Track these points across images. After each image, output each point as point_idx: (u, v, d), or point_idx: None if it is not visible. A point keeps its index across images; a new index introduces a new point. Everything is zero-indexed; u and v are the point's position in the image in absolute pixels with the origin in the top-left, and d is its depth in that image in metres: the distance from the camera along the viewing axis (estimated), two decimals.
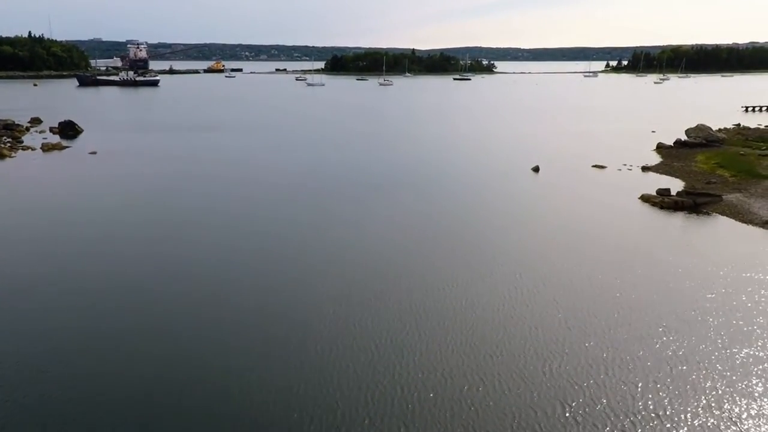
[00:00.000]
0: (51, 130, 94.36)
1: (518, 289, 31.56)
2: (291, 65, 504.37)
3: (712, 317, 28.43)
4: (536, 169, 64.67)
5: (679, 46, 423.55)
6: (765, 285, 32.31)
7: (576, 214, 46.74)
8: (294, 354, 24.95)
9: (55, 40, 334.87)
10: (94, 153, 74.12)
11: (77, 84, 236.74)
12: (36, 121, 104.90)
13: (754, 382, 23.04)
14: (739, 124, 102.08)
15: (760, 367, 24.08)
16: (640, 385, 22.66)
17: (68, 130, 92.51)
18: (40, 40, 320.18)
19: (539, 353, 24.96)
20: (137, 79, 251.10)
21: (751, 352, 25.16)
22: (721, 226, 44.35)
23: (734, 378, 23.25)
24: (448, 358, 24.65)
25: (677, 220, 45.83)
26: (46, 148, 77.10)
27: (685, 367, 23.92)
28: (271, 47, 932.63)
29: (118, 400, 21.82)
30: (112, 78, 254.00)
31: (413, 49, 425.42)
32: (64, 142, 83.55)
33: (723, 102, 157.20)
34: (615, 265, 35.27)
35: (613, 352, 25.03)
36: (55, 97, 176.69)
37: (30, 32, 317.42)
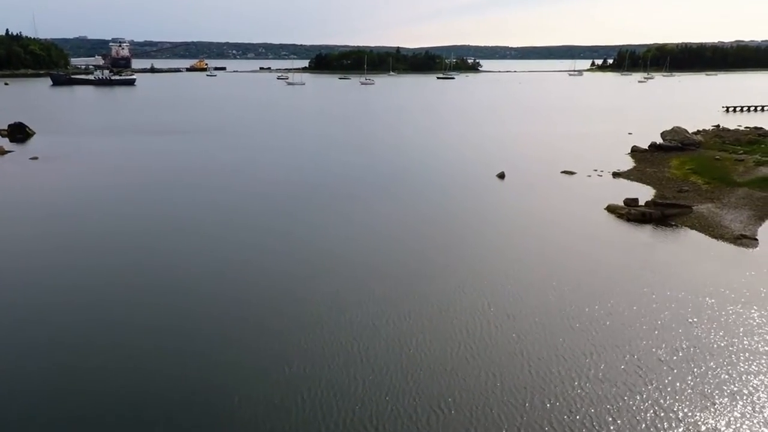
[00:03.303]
0: (0, 132, 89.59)
1: (469, 326, 27.67)
2: (278, 64, 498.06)
3: (683, 358, 24.92)
4: (501, 176, 61.04)
5: (664, 45, 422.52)
6: (736, 317, 28.74)
7: (536, 229, 43.01)
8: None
9: (33, 38, 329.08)
10: (35, 158, 69.65)
11: (51, 83, 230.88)
12: None
13: None
14: (718, 125, 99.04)
15: (744, 424, 20.57)
16: None
17: (17, 133, 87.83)
18: (18, 38, 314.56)
19: (495, 412, 21.18)
20: (113, 78, 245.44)
21: (733, 406, 21.63)
22: (690, 241, 40.81)
23: None
24: (380, 414, 20.94)
25: (643, 235, 42.27)
26: None
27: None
28: (259, 45, 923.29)
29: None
30: (86, 77, 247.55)
31: (398, 47, 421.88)
32: (10, 146, 78.99)
33: (705, 102, 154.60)
34: (578, 292, 31.43)
35: (581, 411, 21.29)
36: (24, 98, 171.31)
37: (7, 30, 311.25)
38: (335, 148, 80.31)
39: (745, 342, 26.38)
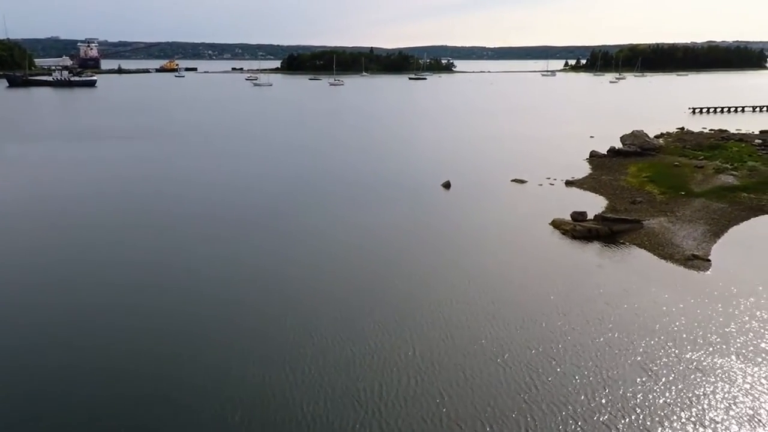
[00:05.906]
0: None
1: (384, 380, 23.15)
2: (253, 64, 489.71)
3: (633, 423, 20.61)
4: (447, 185, 56.63)
5: (637, 45, 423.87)
6: (687, 364, 24.40)
7: (473, 249, 38.47)
8: None
9: None
10: None
11: (6, 85, 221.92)
12: None
13: None
14: (683, 128, 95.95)
15: None
16: None
17: None
18: None
19: None
20: (72, 79, 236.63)
21: None
22: (638, 263, 36.44)
23: None
24: None
25: (588, 256, 37.99)
26: None
27: None
28: (236, 46, 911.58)
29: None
30: (44, 78, 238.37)
31: (371, 47, 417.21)
32: None
33: (673, 102, 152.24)
34: (514, 332, 26.93)
35: None
36: None
37: None
38: (269, 155, 75.35)
39: (703, 400, 22.00)
